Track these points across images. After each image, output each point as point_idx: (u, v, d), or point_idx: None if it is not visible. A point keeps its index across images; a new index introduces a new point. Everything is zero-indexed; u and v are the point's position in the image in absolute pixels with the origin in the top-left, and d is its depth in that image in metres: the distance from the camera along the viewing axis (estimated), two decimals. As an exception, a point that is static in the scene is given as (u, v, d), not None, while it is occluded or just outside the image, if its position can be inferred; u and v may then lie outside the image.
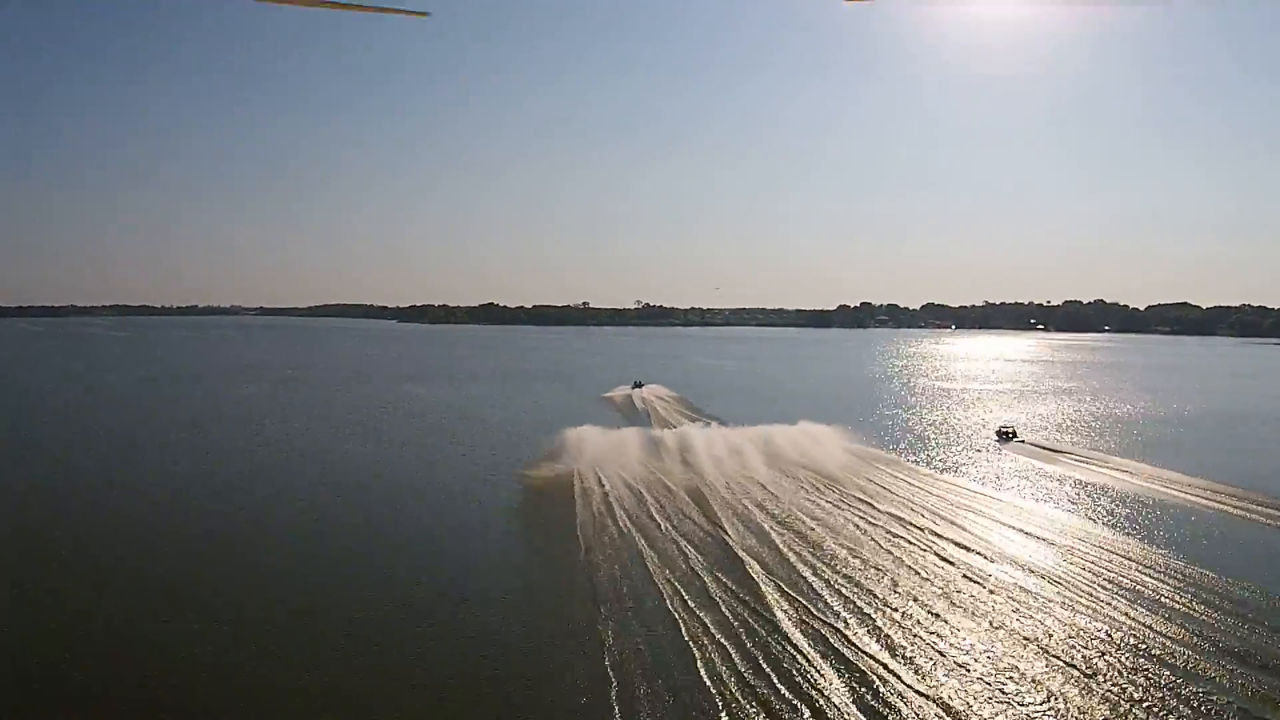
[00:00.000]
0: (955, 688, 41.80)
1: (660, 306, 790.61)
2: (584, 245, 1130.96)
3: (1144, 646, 46.40)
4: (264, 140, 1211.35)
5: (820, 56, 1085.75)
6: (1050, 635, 48.11)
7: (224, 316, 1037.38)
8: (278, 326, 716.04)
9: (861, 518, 73.13)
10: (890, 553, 63.37)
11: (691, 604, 52.01)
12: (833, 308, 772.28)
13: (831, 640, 46.86)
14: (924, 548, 64.81)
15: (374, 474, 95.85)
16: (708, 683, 41.86)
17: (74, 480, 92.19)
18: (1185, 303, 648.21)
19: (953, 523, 72.35)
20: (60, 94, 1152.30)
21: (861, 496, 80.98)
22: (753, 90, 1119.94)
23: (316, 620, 51.20)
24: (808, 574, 57.97)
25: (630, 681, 42.07)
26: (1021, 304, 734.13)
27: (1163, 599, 53.79)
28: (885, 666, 43.74)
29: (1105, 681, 42.35)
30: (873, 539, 66.83)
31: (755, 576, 57.16)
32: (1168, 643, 46.85)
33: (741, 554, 62.19)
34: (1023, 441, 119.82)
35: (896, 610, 51.83)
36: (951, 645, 46.94)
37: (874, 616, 50.63)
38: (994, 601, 53.80)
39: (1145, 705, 40.06)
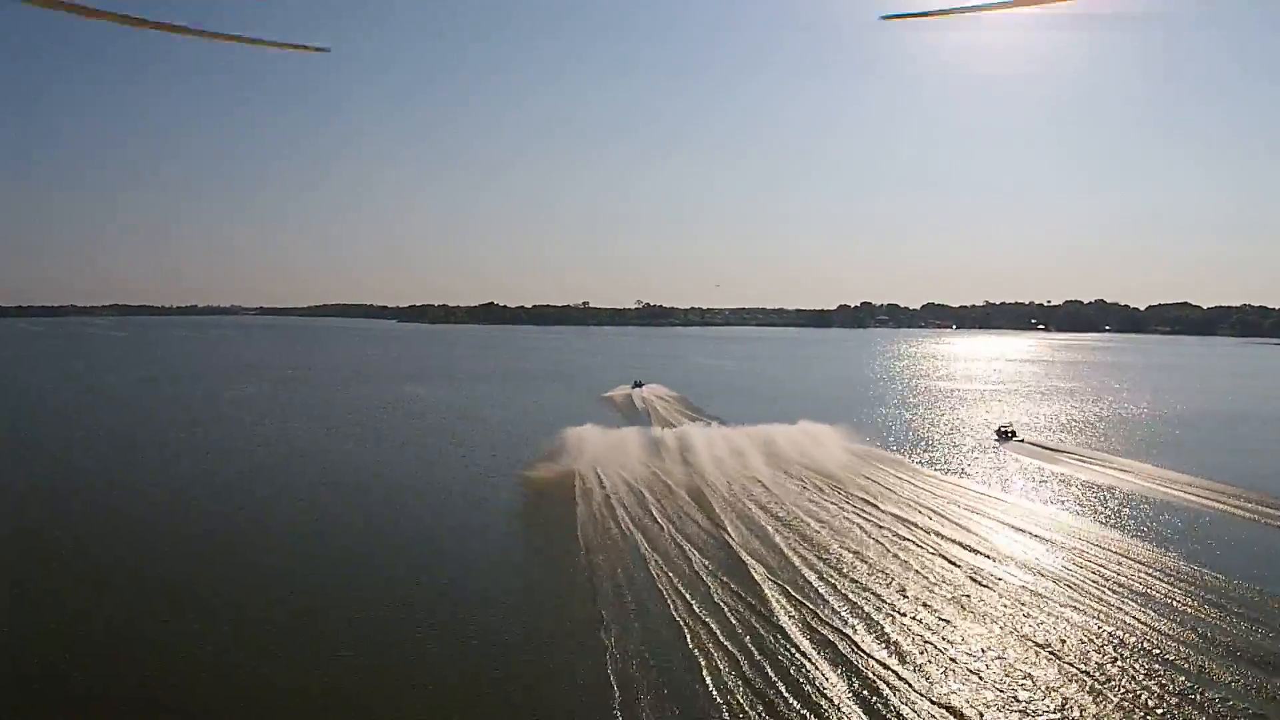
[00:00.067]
0: (968, 696, 41.03)
1: (660, 306, 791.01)
2: (584, 245, 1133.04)
3: (1155, 651, 45.97)
4: (264, 140, 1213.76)
5: (820, 56, 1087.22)
6: (1061, 640, 47.56)
7: (224, 316, 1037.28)
8: (277, 326, 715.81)
9: (864, 518, 72.86)
10: (894, 553, 63.03)
11: (695, 607, 51.59)
12: (833, 308, 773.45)
13: (839, 646, 46.27)
14: (928, 549, 64.46)
15: (374, 474, 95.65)
16: (711, 688, 41.33)
17: (74, 480, 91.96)
18: (1186, 303, 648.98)
19: (955, 523, 72.07)
20: (60, 94, 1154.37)
21: (863, 496, 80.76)
22: (753, 90, 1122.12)
23: (316, 620, 50.96)
24: (811, 577, 57.49)
25: (631, 684, 41.68)
26: (1022, 304, 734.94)
27: (1170, 602, 53.40)
28: (895, 673, 43.06)
29: (1118, 688, 41.79)
30: (876, 540, 66.48)
31: (758, 579, 56.74)
32: (1179, 647, 46.44)
33: (744, 555, 61.82)
34: (1022, 441, 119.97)
35: (903, 613, 51.30)
36: (962, 651, 46.29)
37: (880, 620, 50.07)
38: (1002, 605, 53.33)
39: (1160, 713, 39.53)
